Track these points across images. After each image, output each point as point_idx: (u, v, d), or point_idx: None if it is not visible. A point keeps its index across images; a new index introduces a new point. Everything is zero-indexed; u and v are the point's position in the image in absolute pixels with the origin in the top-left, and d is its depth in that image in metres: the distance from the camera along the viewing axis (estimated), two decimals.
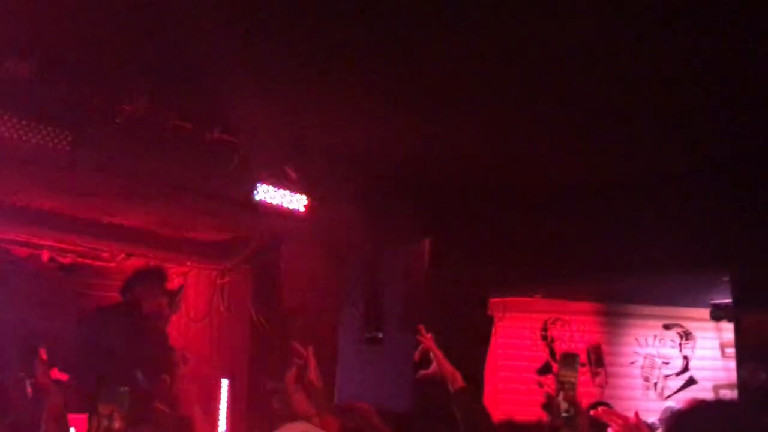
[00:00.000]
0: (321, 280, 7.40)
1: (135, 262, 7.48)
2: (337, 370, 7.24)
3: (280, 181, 6.19)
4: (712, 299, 7.49)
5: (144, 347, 6.70)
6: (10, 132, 4.98)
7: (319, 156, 6.23)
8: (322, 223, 6.59)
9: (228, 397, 7.55)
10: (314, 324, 7.20)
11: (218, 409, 7.55)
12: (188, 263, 7.77)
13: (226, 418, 7.53)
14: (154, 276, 7.19)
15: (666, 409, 7.60)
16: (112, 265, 7.59)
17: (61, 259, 7.52)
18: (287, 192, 6.26)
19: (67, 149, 5.18)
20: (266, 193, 6.13)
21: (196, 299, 7.90)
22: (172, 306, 7.39)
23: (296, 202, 6.32)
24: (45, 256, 7.43)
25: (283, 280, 7.44)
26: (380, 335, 7.44)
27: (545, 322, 8.92)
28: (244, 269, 7.66)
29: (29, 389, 5.53)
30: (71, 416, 4.96)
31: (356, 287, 7.45)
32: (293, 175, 6.22)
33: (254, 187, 6.08)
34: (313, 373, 4.17)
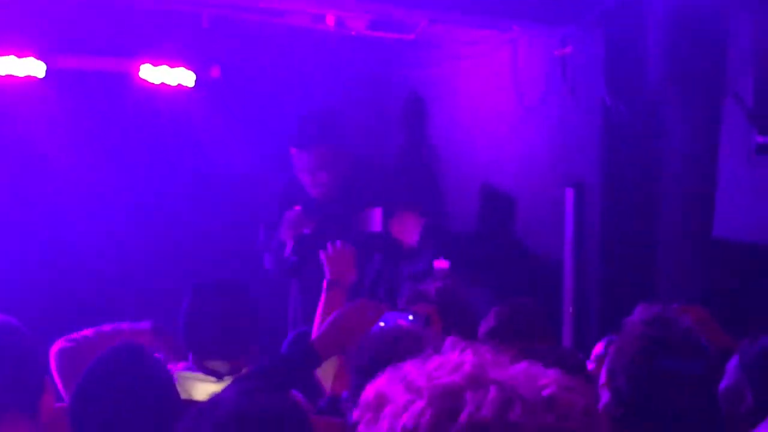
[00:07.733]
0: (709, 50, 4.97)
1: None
2: (717, 193, 4.89)
3: None
4: None
5: None
6: None
7: None
8: None
9: (573, 209, 5.58)
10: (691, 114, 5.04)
11: None
12: (514, 28, 5.59)
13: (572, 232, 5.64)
14: None
15: None
16: (411, 36, 5.65)
17: (349, 26, 5.74)
18: None
19: None
20: None
21: (528, 78, 5.77)
22: None
23: None
24: (330, 20, 5.68)
25: (651, 49, 5.18)
26: None
27: None
28: (593, 34, 5.35)
29: None
30: None
31: (743, 69, 4.79)
32: None
33: None
34: None
